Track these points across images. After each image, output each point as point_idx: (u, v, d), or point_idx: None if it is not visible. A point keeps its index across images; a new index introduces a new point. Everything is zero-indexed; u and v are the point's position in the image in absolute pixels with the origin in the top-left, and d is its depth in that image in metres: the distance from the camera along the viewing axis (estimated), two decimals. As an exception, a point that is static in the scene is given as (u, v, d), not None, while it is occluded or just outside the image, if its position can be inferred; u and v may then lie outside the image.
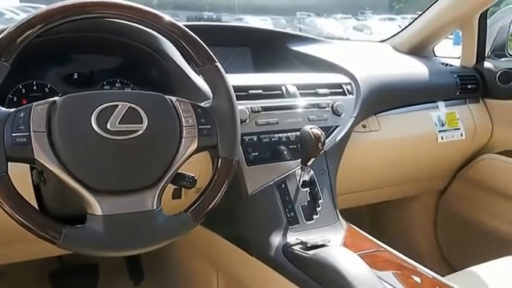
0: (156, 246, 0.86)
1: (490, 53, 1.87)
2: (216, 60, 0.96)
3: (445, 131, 1.64)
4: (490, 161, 1.76)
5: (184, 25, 0.96)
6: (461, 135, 1.68)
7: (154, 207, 0.85)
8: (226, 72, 0.98)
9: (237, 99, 1.09)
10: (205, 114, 0.92)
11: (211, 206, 0.91)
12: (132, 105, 0.85)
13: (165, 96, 0.90)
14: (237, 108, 0.96)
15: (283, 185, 1.15)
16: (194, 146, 0.90)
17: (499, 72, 1.75)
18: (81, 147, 0.81)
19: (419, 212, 2.02)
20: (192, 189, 0.97)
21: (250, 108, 1.17)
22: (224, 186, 0.92)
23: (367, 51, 1.83)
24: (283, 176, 1.16)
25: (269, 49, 1.60)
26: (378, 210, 2.05)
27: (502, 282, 1.21)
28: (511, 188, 1.70)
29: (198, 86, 1.11)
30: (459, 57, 1.86)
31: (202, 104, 0.93)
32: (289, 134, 1.20)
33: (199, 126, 0.91)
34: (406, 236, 2.04)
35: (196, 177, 0.94)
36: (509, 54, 1.87)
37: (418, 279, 1.04)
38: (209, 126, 0.92)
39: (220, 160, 0.92)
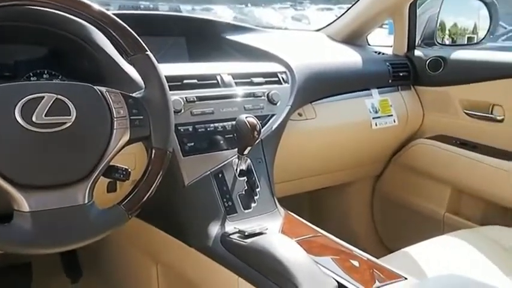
0: (88, 241, 0.85)
1: (420, 42, 1.93)
2: (147, 49, 0.94)
3: (378, 117, 1.68)
4: (422, 146, 1.82)
5: (115, 14, 0.94)
6: (394, 121, 1.73)
7: (86, 201, 0.84)
8: (161, 62, 0.97)
9: (172, 89, 1.08)
10: (137, 104, 0.91)
11: (145, 198, 0.91)
12: (59, 97, 0.82)
13: (95, 87, 0.88)
14: (170, 98, 0.95)
15: (220, 175, 1.15)
16: (126, 137, 0.89)
17: (428, 60, 1.81)
18: (5, 141, 0.78)
19: (356, 197, 2.08)
20: (127, 182, 0.96)
21: (185, 98, 1.16)
22: (158, 177, 0.92)
23: (303, 40, 1.85)
24: (220, 165, 1.15)
25: (204, 39, 1.58)
26: (317, 197, 2.08)
27: (434, 261, 1.25)
28: (441, 171, 1.77)
29: (130, 76, 1.09)
30: (391, 46, 1.91)
31: (133, 95, 0.92)
32: (225, 123, 1.19)
33: (131, 117, 0.89)
34: (344, 221, 2.09)
35: (130, 170, 0.93)
36: (437, 42, 1.94)
37: (354, 262, 1.06)
38: (141, 117, 0.90)
39: (153, 151, 0.91)
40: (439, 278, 0.78)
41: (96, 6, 0.90)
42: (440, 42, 2.00)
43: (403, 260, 1.25)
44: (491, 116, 1.70)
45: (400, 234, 1.73)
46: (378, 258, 1.20)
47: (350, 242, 1.13)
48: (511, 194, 1.58)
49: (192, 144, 1.14)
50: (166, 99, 0.94)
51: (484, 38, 2.05)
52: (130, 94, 0.91)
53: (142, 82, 0.95)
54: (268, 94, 1.29)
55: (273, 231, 1.08)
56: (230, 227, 1.09)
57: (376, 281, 0.98)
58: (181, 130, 1.13)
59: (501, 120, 1.66)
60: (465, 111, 1.75)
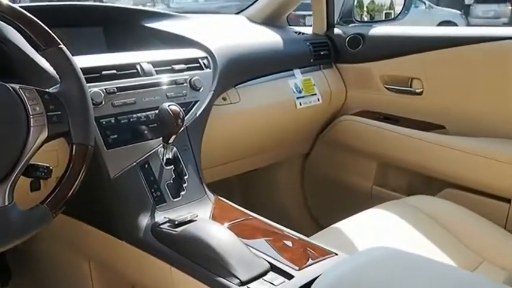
0: (11, 244, 0.82)
1: (339, 20, 1.96)
2: (60, 43, 0.91)
3: (302, 97, 1.70)
4: (347, 122, 1.87)
5: (26, 7, 0.90)
6: (318, 100, 1.76)
7: (6, 203, 0.81)
8: (78, 54, 0.94)
9: (90, 82, 1.05)
10: (54, 100, 0.87)
11: (69, 195, 0.88)
12: None
13: (6, 85, 0.84)
14: (88, 91, 0.92)
15: (146, 165, 1.12)
16: (44, 134, 0.86)
17: (347, 38, 1.85)
18: None
19: (286, 177, 2.11)
20: (51, 179, 0.93)
21: (105, 89, 1.12)
22: (81, 173, 0.89)
23: (223, 24, 1.84)
24: (146, 156, 1.13)
25: (123, 28, 1.54)
26: (247, 179, 2.10)
27: (364, 234, 1.29)
28: (367, 146, 1.82)
29: (45, 71, 1.04)
30: (311, 26, 1.93)
31: (49, 90, 0.88)
32: (148, 113, 1.17)
33: (48, 113, 0.86)
34: (276, 201, 2.12)
35: (51, 167, 0.90)
36: (356, 20, 1.98)
37: (286, 242, 1.08)
38: (59, 113, 0.87)
39: (74, 147, 0.89)
40: (368, 250, 0.81)
41: (2, 0, 0.86)
42: (358, 19, 2.04)
43: (334, 236, 1.28)
44: (410, 89, 1.76)
45: (332, 210, 1.77)
46: (311, 235, 1.22)
47: (283, 222, 1.14)
48: (433, 164, 1.65)
49: (116, 136, 1.11)
50: (84, 93, 0.91)
51: (400, 14, 2.11)
52: (46, 90, 0.88)
53: (58, 77, 0.91)
54: (190, 80, 1.28)
55: (203, 218, 1.08)
56: (160, 217, 1.08)
57: (308, 259, 0.99)
58: (103, 123, 1.10)
59: (420, 93, 1.73)
60: (386, 86, 1.80)
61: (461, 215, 1.41)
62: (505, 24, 8.56)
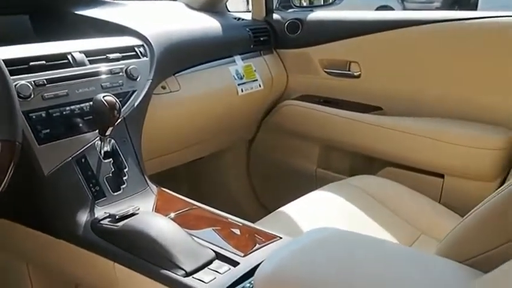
0: None
1: (278, 5, 1.96)
2: None
3: (244, 83, 1.69)
4: (289, 107, 1.87)
5: None
6: (260, 85, 1.75)
7: None
8: (1, 45, 0.88)
9: (16, 74, 1.01)
10: None
11: None
12: None
13: None
14: (11, 84, 0.87)
15: (83, 160, 1.08)
16: None
17: (286, 23, 1.85)
18: None
19: (232, 163, 2.10)
20: None
21: (34, 82, 1.06)
22: (9, 171, 0.85)
23: (159, 11, 1.79)
24: (82, 150, 1.09)
25: (52, 15, 1.47)
26: (193, 168, 2.08)
27: (308, 216, 1.30)
28: (309, 129, 1.84)
29: None
30: (250, 11, 1.91)
31: None
32: (82, 105, 1.12)
33: None
34: (223, 188, 2.11)
35: None
36: (294, 5, 1.98)
37: (231, 230, 1.07)
38: None
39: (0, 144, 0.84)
40: (311, 232, 0.81)
41: None
42: (297, 4, 2.04)
43: (279, 220, 1.29)
44: (349, 72, 1.78)
45: (278, 194, 1.78)
46: (258, 220, 1.22)
47: (230, 209, 1.14)
48: (372, 144, 1.69)
49: (48, 131, 1.05)
50: (8, 87, 0.86)
51: (337, -2, 2.12)
52: None
53: None
54: (126, 70, 1.24)
55: (145, 211, 1.06)
56: (100, 212, 1.05)
57: (254, 244, 0.99)
58: (33, 117, 1.04)
59: (358, 76, 1.75)
60: (325, 70, 1.82)
61: (400, 192, 1.46)
62: (437, 8, 8.82)
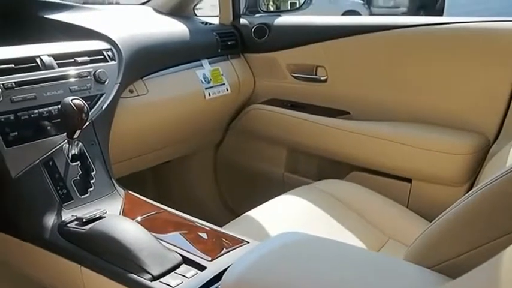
0: None
1: (245, 10, 1.97)
2: None
3: (211, 87, 1.70)
4: (256, 111, 1.89)
5: None
6: (227, 89, 1.77)
7: None
8: None
9: (-16, 77, 1.00)
10: None
11: None
12: None
13: None
14: None
15: (50, 162, 1.09)
16: None
17: (253, 28, 1.87)
18: None
19: (200, 167, 2.10)
20: None
21: (2, 85, 1.07)
22: None
23: (127, 15, 1.79)
24: (50, 152, 1.09)
25: (20, 19, 1.47)
26: (160, 172, 2.08)
27: (276, 220, 1.31)
28: (277, 133, 1.85)
29: None
30: (218, 16, 1.93)
31: None
32: (50, 108, 1.13)
33: None
34: (190, 193, 2.11)
35: None
36: (261, 10, 2.00)
37: (198, 234, 1.08)
38: None
39: None
40: (278, 237, 0.82)
41: None
42: (264, 9, 2.06)
43: (247, 224, 1.29)
44: (316, 77, 1.80)
45: (245, 198, 1.79)
46: (226, 224, 1.23)
47: (198, 213, 1.14)
48: (339, 148, 1.70)
49: (16, 133, 1.06)
50: None
51: (304, 3, 2.15)
52: None
53: None
54: (94, 73, 1.25)
55: (112, 214, 1.06)
56: (67, 215, 1.05)
57: (221, 249, 1.00)
58: (2, 120, 1.05)
59: (325, 81, 1.78)
60: (292, 74, 1.84)
61: (367, 197, 1.47)
62: (403, 14, 8.96)
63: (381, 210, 1.43)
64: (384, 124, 1.62)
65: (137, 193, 1.21)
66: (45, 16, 1.49)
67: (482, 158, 1.46)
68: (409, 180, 1.58)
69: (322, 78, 1.78)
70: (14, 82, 1.09)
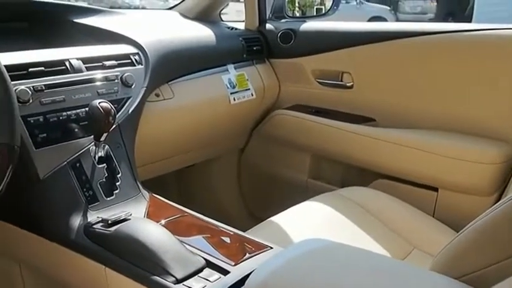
0: None
1: (271, 15, 1.98)
2: None
3: (236, 92, 1.71)
4: (280, 116, 1.89)
5: None
6: (252, 95, 1.77)
7: None
8: (2, 51, 0.90)
9: (16, 79, 1.02)
10: None
11: None
12: None
13: None
14: (11, 89, 0.89)
15: (78, 164, 1.10)
16: None
17: (279, 33, 1.87)
18: None
19: (223, 172, 2.11)
20: None
21: (32, 87, 1.09)
22: (7, 174, 0.86)
23: (155, 20, 1.81)
24: (77, 154, 1.11)
25: (50, 23, 1.49)
26: (184, 175, 2.09)
27: (299, 227, 1.31)
28: (301, 140, 1.85)
29: None
30: (243, 21, 1.93)
31: None
32: (78, 110, 1.14)
33: None
34: (213, 197, 2.12)
35: None
36: (287, 15, 2.01)
37: (222, 238, 1.08)
38: None
39: None
40: (302, 243, 0.82)
41: None
42: (290, 15, 2.07)
43: (270, 230, 1.29)
44: (341, 83, 1.80)
45: (268, 203, 1.79)
46: (248, 229, 1.23)
47: (220, 217, 1.14)
48: (364, 156, 1.69)
49: (45, 135, 1.08)
50: (8, 91, 0.88)
51: (330, 9, 2.15)
52: None
53: None
54: (121, 77, 1.26)
55: (137, 216, 1.07)
56: (93, 216, 1.06)
57: (244, 254, 1.00)
58: (31, 121, 1.06)
59: (351, 87, 1.77)
60: (317, 80, 1.84)
61: (392, 205, 1.46)
62: (431, 20, 8.88)
63: (406, 219, 1.41)
64: (410, 131, 1.60)
65: (160, 196, 1.22)
66: (74, 20, 1.51)
67: (511, 168, 1.43)
68: (436, 189, 1.56)
69: (347, 84, 1.78)
70: (44, 85, 1.11)
